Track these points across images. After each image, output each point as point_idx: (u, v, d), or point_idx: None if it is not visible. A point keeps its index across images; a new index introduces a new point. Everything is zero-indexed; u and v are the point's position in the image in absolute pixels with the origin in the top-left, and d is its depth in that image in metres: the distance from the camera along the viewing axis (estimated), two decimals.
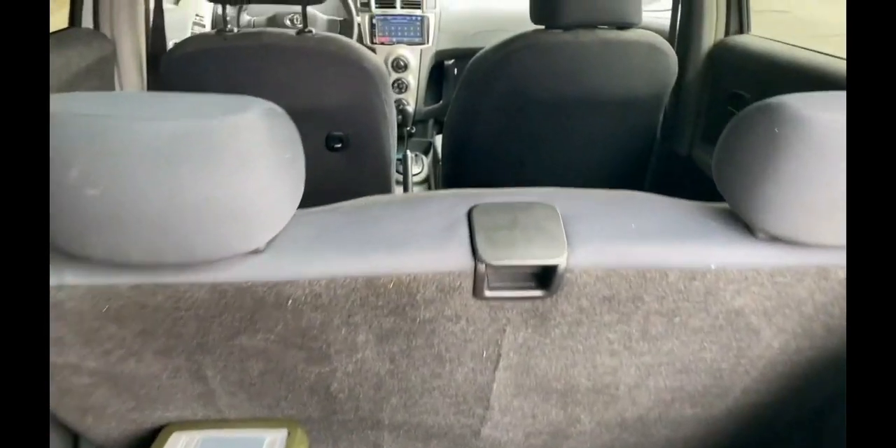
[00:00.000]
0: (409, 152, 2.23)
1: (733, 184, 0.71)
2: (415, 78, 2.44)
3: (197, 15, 2.27)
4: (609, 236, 0.71)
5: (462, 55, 2.51)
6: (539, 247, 0.69)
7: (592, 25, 1.47)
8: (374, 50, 2.40)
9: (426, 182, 2.39)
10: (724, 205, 0.76)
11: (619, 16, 1.46)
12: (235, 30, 1.41)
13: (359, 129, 1.57)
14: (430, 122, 2.72)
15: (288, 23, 2.25)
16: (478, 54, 1.57)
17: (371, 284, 0.68)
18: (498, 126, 1.62)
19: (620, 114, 1.61)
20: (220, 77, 1.41)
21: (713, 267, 0.71)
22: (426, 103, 2.55)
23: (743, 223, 0.73)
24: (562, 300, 0.72)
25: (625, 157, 1.73)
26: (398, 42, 2.41)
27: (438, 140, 2.22)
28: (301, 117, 1.48)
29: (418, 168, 2.41)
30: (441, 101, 2.60)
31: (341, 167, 1.64)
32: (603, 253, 0.70)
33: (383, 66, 1.51)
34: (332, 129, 1.56)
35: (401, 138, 2.24)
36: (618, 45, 1.48)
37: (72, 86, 1.32)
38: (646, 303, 0.74)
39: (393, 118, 1.63)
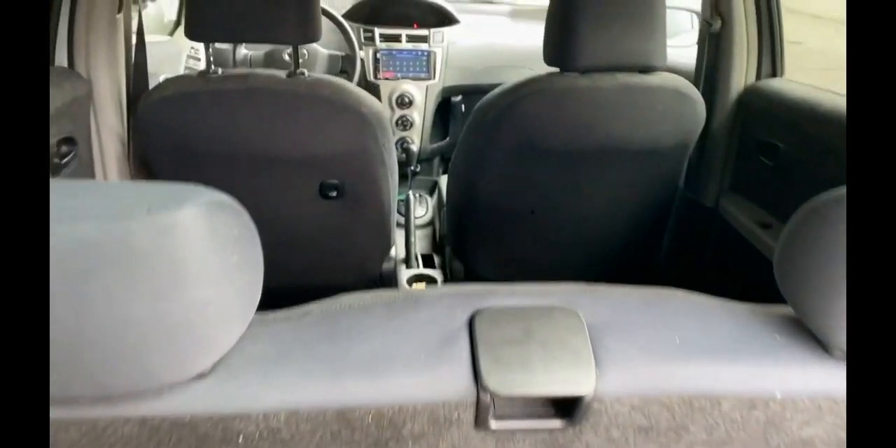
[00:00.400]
0: (411, 194, 2.10)
1: (802, 288, 0.57)
2: (420, 115, 2.31)
3: (192, 48, 2.16)
4: (648, 354, 0.57)
5: (470, 91, 2.39)
6: (560, 369, 0.55)
7: (612, 69, 1.34)
8: (377, 86, 2.28)
9: (430, 225, 2.25)
10: (786, 309, 0.62)
11: (641, 58, 1.32)
12: (220, 71, 1.28)
13: (355, 177, 1.44)
14: (436, 159, 2.59)
15: (286, 58, 2.13)
16: (485, 98, 1.43)
17: (344, 417, 0.54)
18: (507, 175, 1.49)
19: (641, 163, 1.47)
20: (201, 123, 1.29)
21: (779, 396, 0.56)
22: (432, 140, 2.43)
23: (813, 336, 0.58)
24: (587, 431, 0.58)
25: (644, 209, 1.59)
26: (403, 77, 2.29)
27: (444, 180, 2.08)
28: (291, 165, 1.35)
29: (422, 210, 2.27)
30: (447, 139, 2.48)
31: (337, 216, 1.51)
32: (640, 376, 0.56)
33: (383, 111, 1.38)
34: (327, 177, 1.43)
35: (404, 177, 2.11)
36: (640, 91, 1.35)
37: (55, 118, 1.20)
38: (691, 433, 0.59)
39: (393, 164, 1.50)
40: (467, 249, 1.67)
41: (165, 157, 1.37)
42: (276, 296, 1.62)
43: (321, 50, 2.20)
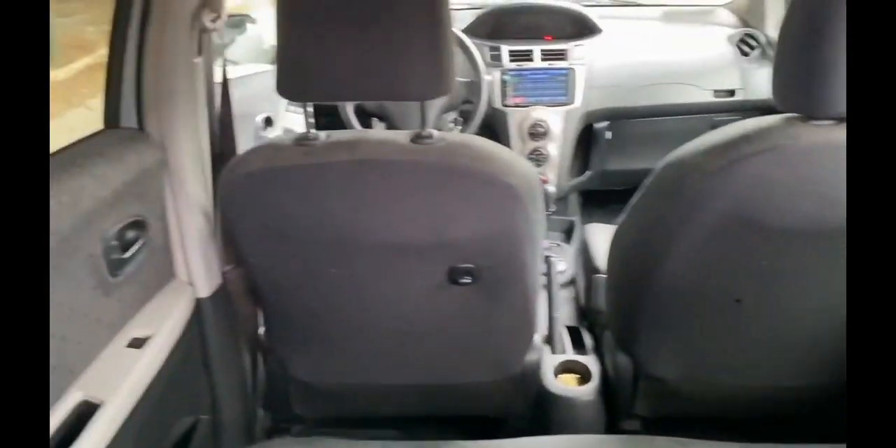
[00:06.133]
0: (548, 247, 1.71)
1: None
2: (556, 146, 1.92)
3: None
4: None
5: (618, 116, 1.97)
6: None
7: None
8: (505, 114, 1.91)
9: (570, 283, 1.85)
10: None
11: None
12: (322, 136, 0.95)
13: (496, 260, 1.08)
14: (573, 195, 2.19)
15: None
16: (680, 154, 1.02)
17: None
18: (706, 255, 1.07)
19: None
20: (300, 204, 0.97)
21: None
22: (571, 175, 2.03)
23: None
24: None
25: None
26: (537, 103, 1.91)
27: (592, 229, 1.68)
28: (414, 252, 1.00)
29: (562, 264, 1.88)
30: (588, 173, 2.07)
31: (469, 304, 1.15)
32: None
33: (536, 178, 1.01)
34: (458, 262, 1.07)
35: None
36: None
37: (104, 208, 0.92)
38: None
39: (541, 239, 1.13)
40: (639, 342, 1.27)
41: (257, 242, 1.06)
42: (395, 394, 1.25)
43: None
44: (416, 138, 0.94)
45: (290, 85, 0.90)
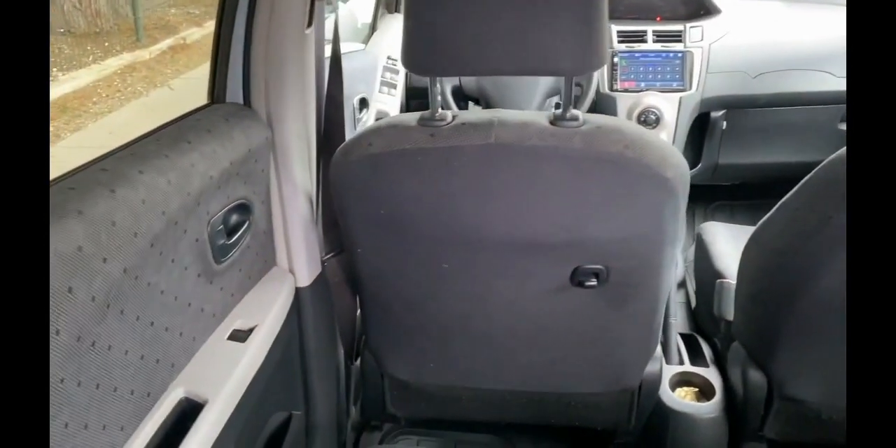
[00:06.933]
0: None
1: None
2: (668, 135, 1.77)
3: (389, 58, 1.78)
4: None
5: (738, 104, 1.81)
6: None
7: None
8: (614, 99, 1.77)
9: (682, 286, 1.71)
10: None
11: None
12: (449, 115, 0.85)
13: (631, 261, 0.96)
14: None
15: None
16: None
17: None
18: None
19: None
20: (423, 193, 0.87)
21: None
22: None
23: None
24: None
25: None
26: (648, 88, 1.76)
27: (710, 229, 1.53)
28: (539, 251, 0.89)
29: (678, 264, 1.73)
30: (700, 164, 1.91)
31: (591, 309, 1.04)
32: None
33: (688, 170, 0.88)
34: (586, 261, 0.96)
35: None
36: None
37: (213, 189, 0.85)
38: None
39: (682, 239, 1.00)
40: (778, 358, 1.12)
41: (368, 231, 0.97)
42: (496, 400, 1.13)
43: None
44: (557, 120, 0.82)
45: (420, 57, 0.80)
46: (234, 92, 1.01)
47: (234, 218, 0.94)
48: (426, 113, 0.86)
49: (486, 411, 1.27)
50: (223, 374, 0.84)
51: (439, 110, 0.85)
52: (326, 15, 1.91)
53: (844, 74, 1.75)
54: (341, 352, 1.25)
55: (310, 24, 1.01)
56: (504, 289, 1.02)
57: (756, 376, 1.16)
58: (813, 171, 0.95)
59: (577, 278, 0.98)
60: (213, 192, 0.87)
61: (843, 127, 1.82)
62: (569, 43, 0.76)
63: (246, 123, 0.97)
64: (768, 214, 1.06)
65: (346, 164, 0.88)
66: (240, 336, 0.92)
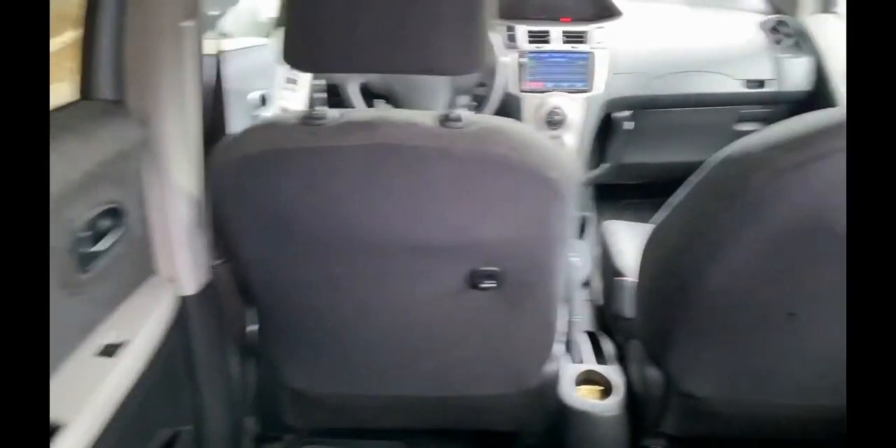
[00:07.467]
0: None
1: None
2: (574, 136, 1.79)
3: None
4: None
5: (642, 105, 1.84)
6: None
7: None
8: (519, 99, 1.77)
9: (586, 285, 1.72)
10: None
11: None
12: (332, 114, 0.81)
13: (525, 263, 0.96)
14: (588, 189, 2.06)
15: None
16: (744, 147, 0.89)
17: None
18: (762, 264, 0.95)
19: None
20: (304, 194, 0.83)
21: None
22: (586, 167, 1.90)
23: None
24: None
25: None
26: (554, 88, 1.77)
27: (612, 227, 1.55)
28: (431, 252, 0.87)
29: (581, 262, 1.75)
30: (606, 164, 1.94)
31: (489, 311, 1.03)
32: None
33: (575, 171, 0.88)
34: (482, 264, 0.94)
35: None
36: None
37: (73, 194, 0.78)
38: None
39: (571, 239, 1.01)
40: (673, 355, 1.14)
41: (252, 235, 0.92)
42: (399, 406, 1.11)
43: None
44: (444, 120, 0.80)
45: (300, 53, 0.77)
46: (107, 87, 0.94)
47: (103, 224, 0.87)
48: (308, 111, 0.82)
49: (389, 418, 1.24)
50: (85, 394, 0.78)
51: (320, 108, 0.81)
52: (225, 9, 1.84)
53: (739, 77, 1.82)
54: (235, 362, 1.19)
55: (188, 17, 0.95)
56: (399, 292, 0.99)
57: (653, 373, 1.17)
58: (707, 171, 0.96)
59: (474, 281, 0.97)
60: (75, 197, 0.80)
61: (739, 127, 1.89)
62: (448, 42, 0.74)
63: (116, 122, 0.90)
64: (665, 213, 1.08)
65: (223, 163, 0.83)
66: (109, 351, 0.85)
